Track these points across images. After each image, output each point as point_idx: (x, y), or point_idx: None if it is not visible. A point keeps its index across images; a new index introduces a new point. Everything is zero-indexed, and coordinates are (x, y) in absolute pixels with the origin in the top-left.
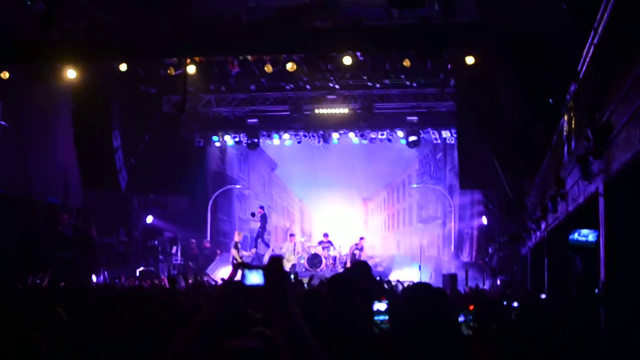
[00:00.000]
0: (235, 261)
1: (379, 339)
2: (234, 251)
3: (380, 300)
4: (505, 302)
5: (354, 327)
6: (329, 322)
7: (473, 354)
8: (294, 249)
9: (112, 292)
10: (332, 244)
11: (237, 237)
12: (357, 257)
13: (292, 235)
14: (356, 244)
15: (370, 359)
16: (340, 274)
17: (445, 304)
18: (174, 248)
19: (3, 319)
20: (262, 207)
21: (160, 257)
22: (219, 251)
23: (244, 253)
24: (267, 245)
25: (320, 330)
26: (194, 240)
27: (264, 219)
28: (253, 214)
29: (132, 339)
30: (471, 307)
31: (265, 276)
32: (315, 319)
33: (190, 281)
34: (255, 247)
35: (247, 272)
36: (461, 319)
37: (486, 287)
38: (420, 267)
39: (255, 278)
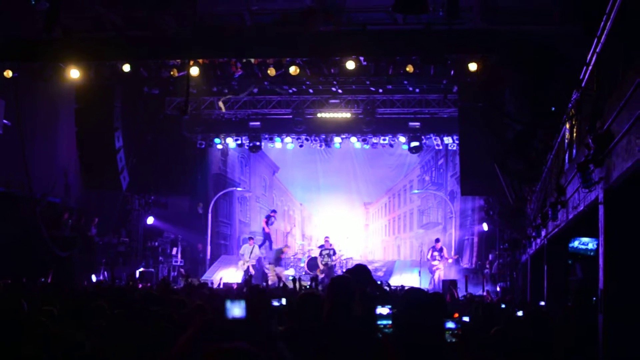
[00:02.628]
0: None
1: (382, 343)
2: (276, 269)
3: (382, 305)
4: (503, 306)
5: (355, 330)
6: (329, 325)
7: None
8: (251, 252)
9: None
10: (333, 249)
11: (286, 252)
12: (329, 264)
13: (251, 238)
14: (321, 246)
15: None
16: (340, 277)
17: (439, 311)
18: (174, 249)
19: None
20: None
21: (160, 258)
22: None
23: (285, 272)
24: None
25: (319, 333)
26: (200, 246)
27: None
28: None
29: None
30: (456, 315)
31: (247, 308)
32: (312, 321)
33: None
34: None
35: (228, 303)
36: (447, 326)
37: (484, 293)
38: (420, 272)
39: (237, 311)
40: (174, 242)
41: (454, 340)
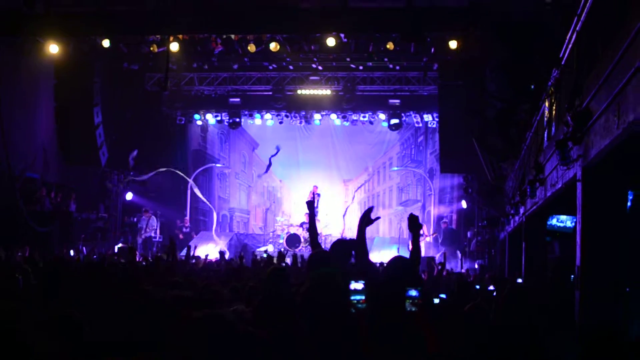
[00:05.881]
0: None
1: (355, 318)
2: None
3: (356, 280)
4: (478, 287)
5: (330, 306)
6: (305, 299)
7: (417, 329)
8: (147, 224)
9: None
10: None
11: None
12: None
13: (146, 210)
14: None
15: (346, 338)
16: (320, 252)
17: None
18: (155, 224)
19: None
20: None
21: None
22: (194, 234)
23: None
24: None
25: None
26: (186, 218)
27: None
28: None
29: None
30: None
31: None
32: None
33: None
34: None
35: None
36: (409, 294)
37: (463, 270)
38: (398, 249)
39: None
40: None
41: (413, 309)
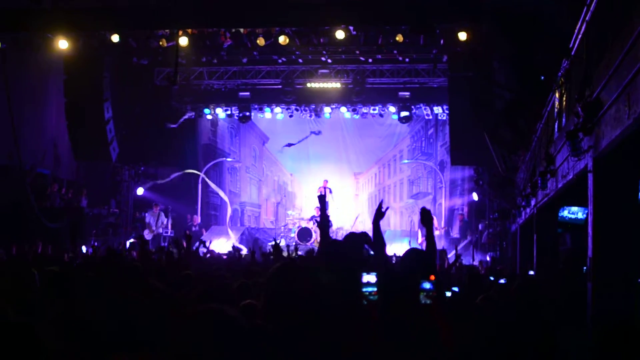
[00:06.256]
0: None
1: (367, 310)
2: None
3: (368, 272)
4: (492, 278)
5: (342, 298)
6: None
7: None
8: (157, 220)
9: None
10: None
11: None
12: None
13: (156, 205)
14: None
15: (358, 330)
16: (334, 242)
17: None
18: (165, 220)
19: None
20: (325, 181)
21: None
22: (204, 231)
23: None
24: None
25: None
26: (196, 216)
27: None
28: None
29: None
30: (432, 277)
31: None
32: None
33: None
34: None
35: None
36: (423, 286)
37: (475, 263)
38: (410, 242)
39: None
40: (164, 213)
41: (428, 302)
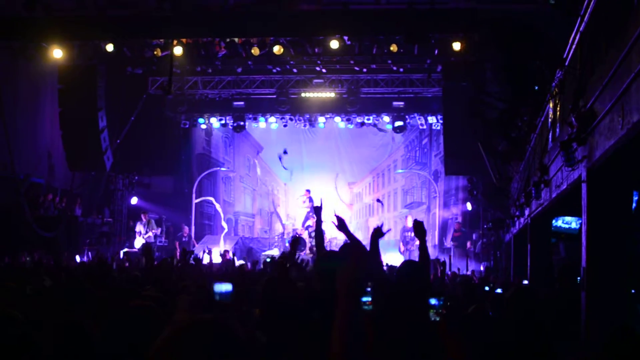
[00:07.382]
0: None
1: (362, 319)
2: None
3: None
4: (487, 288)
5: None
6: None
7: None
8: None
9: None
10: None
11: None
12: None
13: (144, 212)
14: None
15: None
16: (330, 252)
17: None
18: (159, 229)
19: None
20: (308, 191)
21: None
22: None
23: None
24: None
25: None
26: (186, 227)
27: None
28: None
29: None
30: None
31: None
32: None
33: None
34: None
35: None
36: (431, 303)
37: (468, 273)
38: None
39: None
40: (158, 223)
41: (437, 319)
